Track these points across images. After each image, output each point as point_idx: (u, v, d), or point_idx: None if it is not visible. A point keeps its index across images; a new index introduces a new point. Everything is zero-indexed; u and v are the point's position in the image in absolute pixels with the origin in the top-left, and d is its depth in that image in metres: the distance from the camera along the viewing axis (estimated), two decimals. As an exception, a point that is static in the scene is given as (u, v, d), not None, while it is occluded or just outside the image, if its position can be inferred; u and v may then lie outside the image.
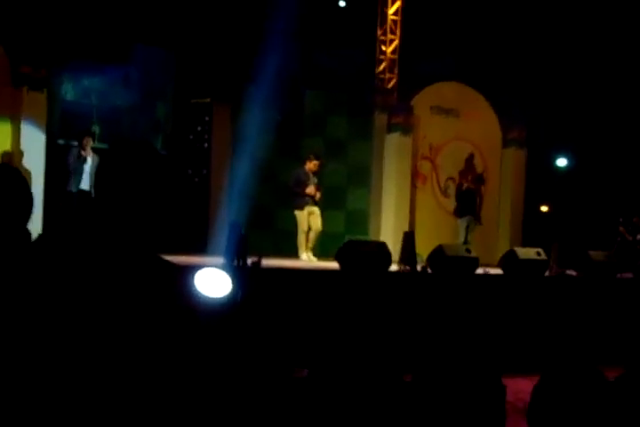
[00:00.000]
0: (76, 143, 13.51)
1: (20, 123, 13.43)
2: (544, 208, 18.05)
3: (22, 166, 13.05)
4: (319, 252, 14.87)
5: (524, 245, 16.36)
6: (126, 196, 3.22)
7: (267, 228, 16.35)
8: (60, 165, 13.36)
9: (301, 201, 14.50)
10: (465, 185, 16.42)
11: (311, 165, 14.59)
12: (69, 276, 2.98)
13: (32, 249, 3.21)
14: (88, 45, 15.01)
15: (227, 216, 14.84)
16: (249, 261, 10.99)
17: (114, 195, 3.22)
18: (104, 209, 3.25)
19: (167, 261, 3.13)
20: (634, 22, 17.46)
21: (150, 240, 3.23)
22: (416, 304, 11.05)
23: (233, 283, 9.01)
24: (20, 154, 13.40)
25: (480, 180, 17.22)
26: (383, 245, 11.95)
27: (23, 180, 3.61)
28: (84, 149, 13.20)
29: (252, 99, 16.42)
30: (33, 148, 13.43)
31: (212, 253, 12.70)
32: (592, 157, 17.95)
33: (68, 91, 15.27)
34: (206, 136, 16.70)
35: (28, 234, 3.50)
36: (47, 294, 2.95)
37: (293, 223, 14.78)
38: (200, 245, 14.98)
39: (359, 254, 11.45)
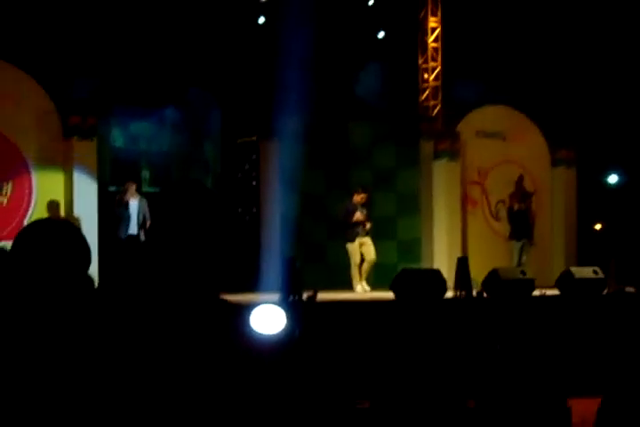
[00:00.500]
0: (123, 189, 13.78)
1: (72, 172, 13.69)
2: (598, 226, 17.93)
3: (75, 215, 13.30)
4: (373, 283, 14.90)
5: (580, 264, 16.24)
6: (180, 237, 3.31)
7: (320, 261, 16.41)
8: (110, 213, 13.62)
9: (352, 233, 14.66)
10: (516, 207, 16.36)
11: (359, 198, 14.81)
12: (132, 322, 3.07)
13: (96, 296, 3.30)
14: (134, 91, 15.29)
15: (279, 252, 14.96)
16: (304, 295, 11.08)
17: (167, 237, 3.31)
18: (155, 253, 3.34)
19: (226, 301, 3.21)
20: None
21: (210, 280, 3.32)
22: (474, 330, 11.02)
23: (289, 319, 9.09)
24: (73, 203, 13.63)
25: (531, 201, 17.17)
26: (437, 273, 11.99)
27: (80, 233, 3.72)
28: (125, 195, 13.44)
29: (296, 134, 16.59)
30: (85, 196, 13.66)
31: (265, 291, 12.79)
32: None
33: (117, 138, 15.56)
34: (254, 174, 16.89)
35: (91, 281, 3.61)
36: (112, 339, 3.04)
37: (346, 256, 14.86)
38: (253, 283, 15.08)
39: (414, 283, 11.50)
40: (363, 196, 14.83)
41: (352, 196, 14.95)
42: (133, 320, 3.08)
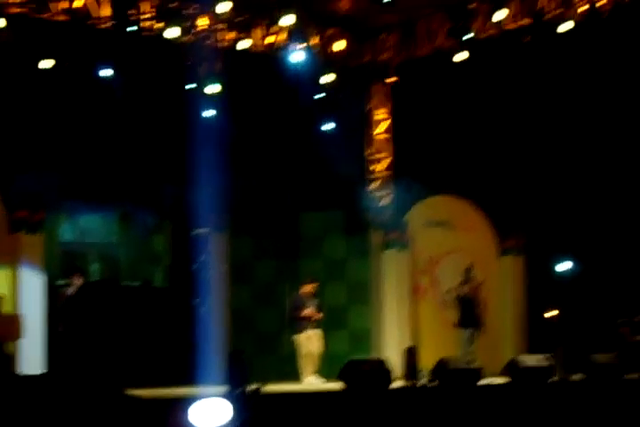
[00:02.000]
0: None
1: (17, 267, 13.58)
2: (550, 314, 18.06)
3: (21, 311, 13.18)
4: (325, 373, 14.88)
5: (531, 351, 16.31)
6: (92, 333, 3.39)
7: (271, 353, 16.39)
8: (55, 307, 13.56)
9: (299, 325, 14.77)
10: (465, 295, 16.49)
11: (309, 288, 14.94)
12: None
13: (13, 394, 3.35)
14: (82, 186, 15.42)
15: (230, 344, 14.95)
16: (250, 388, 11.05)
17: (80, 333, 3.40)
18: (75, 348, 3.41)
19: (131, 397, 3.28)
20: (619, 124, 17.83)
21: (115, 376, 3.39)
22: (421, 419, 11.03)
23: (234, 411, 9.07)
24: (19, 298, 13.48)
25: (480, 289, 17.30)
26: (385, 362, 12.02)
27: None
28: (69, 288, 13.39)
29: (247, 225, 16.75)
30: (32, 291, 13.56)
31: (215, 383, 12.75)
32: (592, 259, 18.04)
33: (66, 231, 15.61)
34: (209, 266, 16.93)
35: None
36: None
37: (294, 349, 14.90)
38: (205, 375, 15.02)
39: (360, 373, 11.53)
40: (313, 286, 14.98)
41: (301, 287, 15.06)
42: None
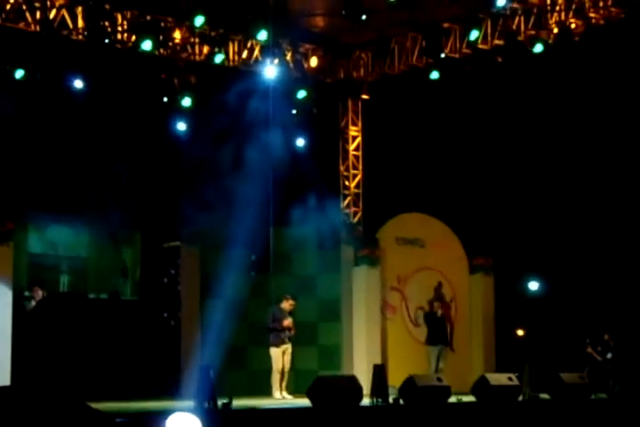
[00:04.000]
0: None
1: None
2: (520, 332, 18.12)
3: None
4: (294, 389, 14.85)
5: (499, 370, 16.37)
6: (54, 347, 3.36)
7: (242, 368, 16.33)
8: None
9: (278, 338, 14.74)
10: (434, 313, 16.51)
11: (287, 305, 14.94)
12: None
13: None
14: (52, 197, 15.33)
15: (200, 358, 14.89)
16: (219, 402, 10.99)
17: (42, 346, 3.37)
18: (38, 361, 3.38)
19: (92, 409, 3.25)
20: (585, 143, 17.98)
21: (84, 388, 3.36)
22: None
23: (205, 426, 9.01)
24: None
25: (450, 307, 17.36)
26: (353, 379, 11.98)
27: None
28: (31, 301, 13.29)
29: (219, 240, 16.70)
30: (-1, 302, 13.45)
31: (186, 397, 12.70)
32: (561, 278, 18.15)
33: (35, 243, 15.50)
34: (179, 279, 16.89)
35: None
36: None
37: (268, 362, 14.85)
38: (174, 389, 14.98)
39: (330, 390, 11.48)
40: (291, 303, 15.01)
41: (280, 301, 15.06)
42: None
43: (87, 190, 15.32)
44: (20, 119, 14.66)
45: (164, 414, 9.05)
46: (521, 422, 12.05)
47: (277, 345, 14.78)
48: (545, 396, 13.35)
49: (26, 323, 13.30)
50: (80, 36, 14.75)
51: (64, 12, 14.67)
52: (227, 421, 10.32)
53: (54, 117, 14.99)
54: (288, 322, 14.81)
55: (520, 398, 12.98)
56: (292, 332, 14.91)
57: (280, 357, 14.75)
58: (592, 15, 15.30)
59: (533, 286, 18.30)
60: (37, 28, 14.44)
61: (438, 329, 16.23)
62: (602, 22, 15.28)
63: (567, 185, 18.24)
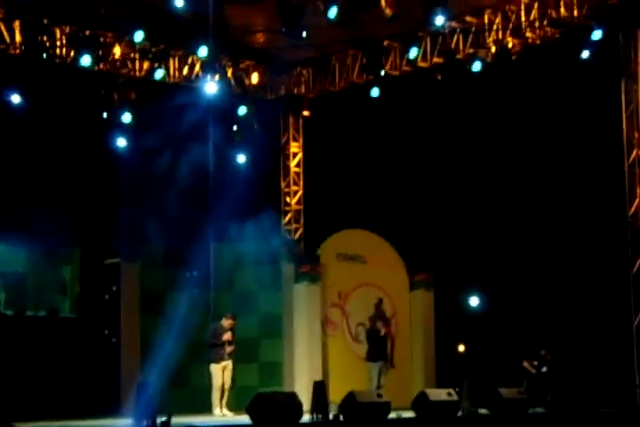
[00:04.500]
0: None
1: None
2: (461, 348, 18.24)
3: None
4: (234, 406, 14.77)
5: (439, 385, 16.45)
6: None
7: (182, 385, 16.20)
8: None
9: (217, 355, 14.70)
10: (375, 329, 16.55)
11: (226, 323, 14.87)
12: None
13: None
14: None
15: (140, 376, 14.76)
16: (158, 420, 10.91)
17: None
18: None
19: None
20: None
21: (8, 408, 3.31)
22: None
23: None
24: None
25: (390, 323, 17.40)
26: (293, 396, 11.96)
27: None
28: None
29: (159, 256, 16.62)
30: None
31: (127, 416, 12.58)
32: (501, 294, 18.31)
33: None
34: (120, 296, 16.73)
35: None
36: None
37: (209, 379, 14.77)
38: (114, 408, 14.84)
39: (269, 407, 11.44)
40: (230, 322, 14.95)
41: (220, 319, 15.02)
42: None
43: (24, 206, 15.15)
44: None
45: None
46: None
47: (217, 361, 14.70)
48: (484, 411, 13.43)
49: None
50: (17, 51, 14.62)
51: (1, 25, 14.55)
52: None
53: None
54: (227, 336, 14.75)
55: (459, 413, 13.05)
56: (232, 347, 14.83)
57: (220, 373, 14.67)
58: (529, 35, 15.55)
59: (474, 301, 18.46)
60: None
61: (379, 346, 16.25)
62: (538, 42, 15.54)
63: (505, 201, 18.44)
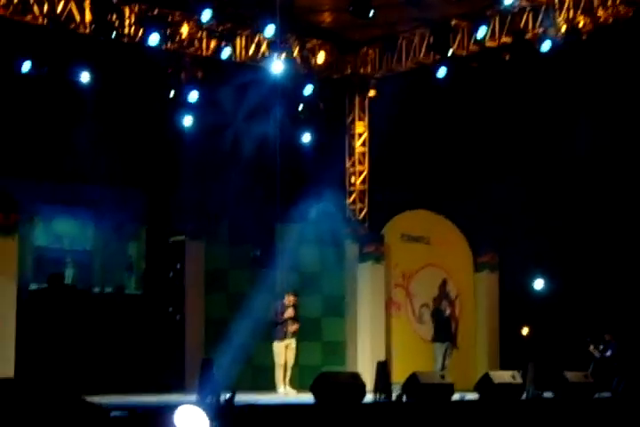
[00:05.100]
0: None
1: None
2: (525, 331, 18.11)
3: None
4: (298, 384, 14.85)
5: (503, 367, 16.33)
6: (57, 340, 3.33)
7: (246, 362, 16.29)
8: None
9: (280, 333, 14.78)
10: (442, 311, 16.48)
11: (288, 300, 14.94)
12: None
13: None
14: (59, 190, 15.35)
15: (204, 353, 14.91)
16: (222, 397, 10.98)
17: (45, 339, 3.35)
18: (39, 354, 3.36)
19: (95, 405, 3.24)
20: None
21: (79, 381, 3.34)
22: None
23: (209, 420, 9.01)
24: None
25: (454, 304, 17.32)
26: (357, 376, 11.97)
27: None
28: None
29: (224, 234, 16.71)
30: (4, 294, 13.41)
31: (190, 391, 12.73)
32: (566, 277, 18.13)
33: (40, 236, 15.52)
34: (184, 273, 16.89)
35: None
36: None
37: (271, 357, 14.87)
38: (178, 383, 15.01)
39: (333, 386, 11.46)
40: (292, 299, 15.01)
41: (283, 296, 15.08)
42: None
43: (93, 184, 15.34)
44: (25, 112, 14.66)
45: (168, 407, 9.08)
46: (524, 421, 12.02)
47: (279, 340, 14.84)
48: (549, 394, 13.32)
49: (28, 314, 13.35)
50: (87, 30, 14.73)
51: (72, 5, 14.66)
52: (229, 415, 10.31)
53: (60, 111, 14.98)
54: (289, 313, 14.82)
55: (524, 396, 12.95)
56: (296, 326, 14.89)
57: (282, 351, 14.78)
58: (600, 13, 15.25)
59: (539, 284, 18.29)
60: (44, 22, 14.43)
61: (445, 326, 16.19)
62: (610, 20, 15.23)
63: (573, 182, 18.20)
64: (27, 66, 14.38)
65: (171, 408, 8.78)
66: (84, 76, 14.78)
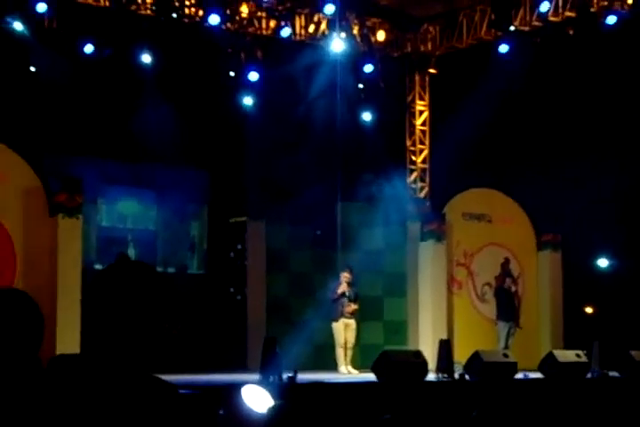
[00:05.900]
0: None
1: (56, 249, 13.63)
2: (589, 309, 17.91)
3: (57, 292, 13.28)
4: (360, 364, 14.85)
5: (567, 347, 16.19)
6: (117, 317, 3.32)
7: (307, 342, 16.34)
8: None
9: (337, 312, 14.72)
10: (506, 289, 16.37)
11: (343, 276, 14.89)
12: (74, 407, 3.08)
13: (41, 378, 3.31)
14: (122, 171, 15.48)
15: (265, 333, 14.97)
16: (284, 376, 11.05)
17: (107, 317, 3.34)
18: (106, 332, 3.36)
19: (165, 382, 3.23)
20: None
21: (143, 359, 3.34)
22: (456, 412, 10.94)
23: (272, 398, 9.08)
24: (57, 280, 13.55)
25: (517, 283, 17.20)
26: (419, 354, 11.97)
27: (34, 306, 3.74)
28: None
29: (285, 214, 16.73)
30: (69, 274, 13.62)
31: (252, 371, 12.81)
32: (631, 255, 17.88)
33: (104, 216, 15.69)
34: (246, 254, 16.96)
35: (39, 361, 3.62)
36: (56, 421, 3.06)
37: (332, 336, 14.88)
38: (240, 363, 15.10)
39: (395, 365, 11.48)
40: (347, 275, 14.91)
41: (339, 275, 15.08)
42: (72, 408, 3.09)
43: (157, 164, 15.44)
44: (88, 94, 14.77)
45: (233, 386, 9.17)
46: (589, 400, 11.91)
47: (337, 319, 14.75)
48: (614, 374, 13.18)
49: (94, 289, 13.45)
50: (148, 11, 14.81)
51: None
52: (291, 394, 10.37)
53: (123, 92, 15.09)
54: (343, 287, 14.68)
55: (589, 375, 12.84)
56: (355, 307, 14.74)
57: (341, 331, 14.71)
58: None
59: (603, 262, 18.06)
60: (106, 3, 14.53)
61: (509, 304, 16.08)
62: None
63: (638, 161, 17.90)
64: (89, 47, 14.49)
65: (235, 387, 8.87)
66: (146, 57, 14.86)
